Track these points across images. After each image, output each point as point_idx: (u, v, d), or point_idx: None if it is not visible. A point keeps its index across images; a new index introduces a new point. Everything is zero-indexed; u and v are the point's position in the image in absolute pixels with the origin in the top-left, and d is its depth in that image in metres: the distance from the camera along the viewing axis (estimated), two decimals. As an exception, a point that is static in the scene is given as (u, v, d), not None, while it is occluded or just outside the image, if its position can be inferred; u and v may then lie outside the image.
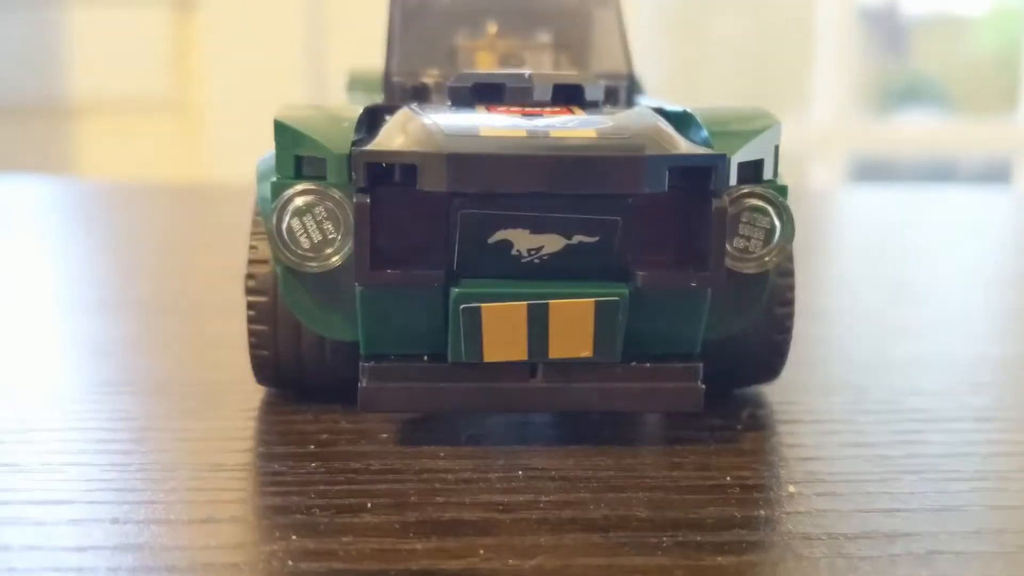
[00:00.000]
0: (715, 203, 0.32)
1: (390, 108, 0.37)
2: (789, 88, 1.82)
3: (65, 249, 0.71)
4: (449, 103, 0.37)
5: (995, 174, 1.90)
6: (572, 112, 0.35)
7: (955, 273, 0.66)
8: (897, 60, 2.02)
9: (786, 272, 0.37)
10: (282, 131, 0.34)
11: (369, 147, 0.32)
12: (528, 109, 0.34)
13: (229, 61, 1.51)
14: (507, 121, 0.33)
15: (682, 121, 0.36)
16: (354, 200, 0.32)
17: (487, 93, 0.36)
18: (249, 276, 0.36)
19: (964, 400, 0.40)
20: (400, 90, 0.43)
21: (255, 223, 0.37)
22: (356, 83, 0.54)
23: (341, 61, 1.55)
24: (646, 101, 0.43)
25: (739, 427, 0.36)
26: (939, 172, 1.97)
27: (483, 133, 0.31)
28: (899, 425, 0.37)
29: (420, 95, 0.42)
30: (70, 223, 0.81)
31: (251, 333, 0.37)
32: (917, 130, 1.87)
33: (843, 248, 0.73)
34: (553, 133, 0.31)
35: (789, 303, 0.37)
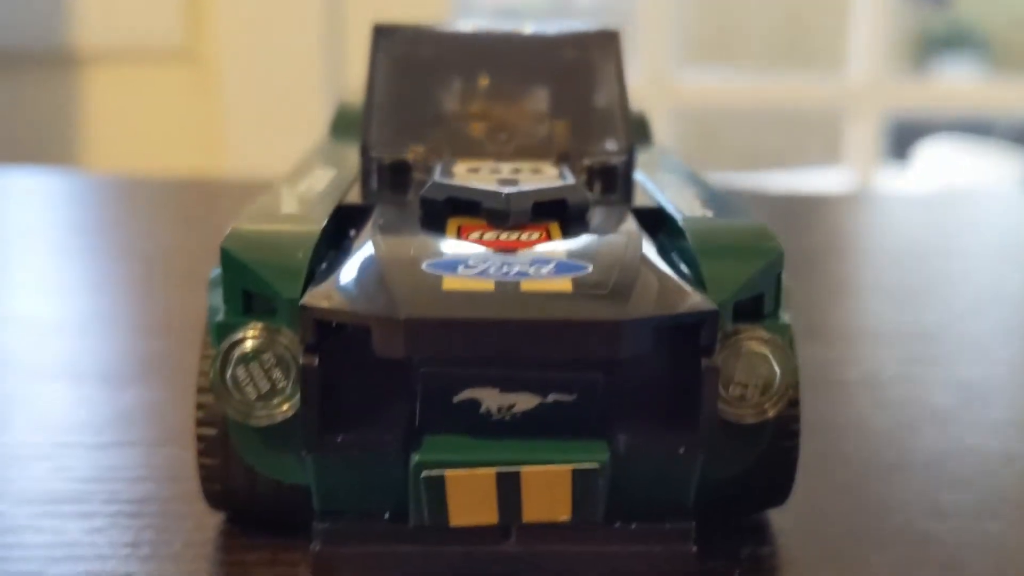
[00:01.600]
0: (705, 362, 0.29)
1: (363, 210, 0.35)
2: (823, 43, 1.77)
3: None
4: (421, 213, 0.34)
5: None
6: (550, 235, 0.32)
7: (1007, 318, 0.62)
8: (939, 10, 1.96)
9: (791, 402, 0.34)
10: (229, 262, 0.31)
11: (318, 299, 0.29)
12: (503, 238, 0.31)
13: (244, 9, 1.47)
14: (476, 262, 0.29)
15: (673, 230, 0.34)
16: (301, 361, 0.29)
17: (462, 207, 0.33)
18: (198, 405, 0.33)
19: (987, 528, 0.36)
20: (378, 166, 0.39)
21: (205, 342, 0.34)
22: (343, 122, 0.50)
23: (359, 8, 1.54)
24: (641, 180, 0.40)
25: (737, 572, 0.33)
26: (977, 130, 1.92)
27: (447, 286, 0.28)
28: (922, 571, 0.33)
29: (399, 174, 0.39)
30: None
31: (200, 466, 0.34)
32: (955, 87, 1.82)
33: (867, 278, 0.69)
34: (524, 286, 0.28)
35: (795, 434, 0.34)
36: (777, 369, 0.30)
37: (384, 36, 0.42)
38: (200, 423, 0.33)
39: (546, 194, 0.33)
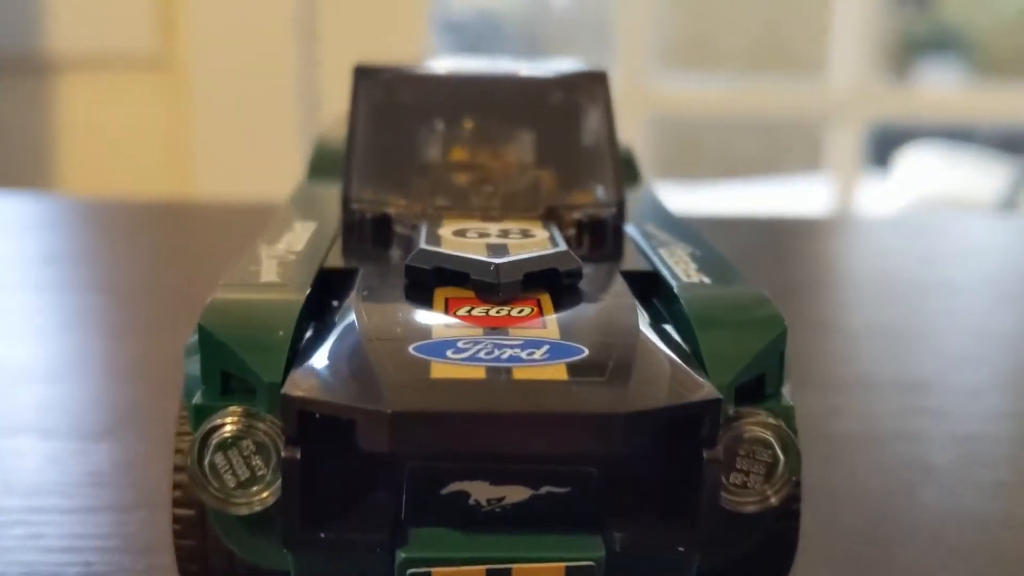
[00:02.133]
0: (707, 454, 0.28)
1: (346, 273, 0.33)
2: (805, 49, 1.76)
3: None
4: (407, 282, 0.32)
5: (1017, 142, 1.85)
6: (542, 308, 0.30)
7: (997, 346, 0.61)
8: (921, 13, 1.96)
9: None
10: (207, 340, 0.29)
11: (301, 388, 0.27)
12: (493, 314, 0.30)
13: (216, 17, 1.46)
14: (465, 344, 0.28)
15: (668, 296, 0.32)
16: (283, 454, 0.27)
17: (449, 275, 0.32)
18: (175, 485, 0.32)
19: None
20: (359, 219, 0.38)
21: (181, 418, 0.32)
22: (321, 162, 0.49)
23: (333, 16, 1.52)
24: (632, 234, 0.39)
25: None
26: (959, 136, 1.92)
27: (435, 373, 0.27)
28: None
29: (381, 229, 0.38)
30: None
31: (177, 547, 0.32)
32: (938, 95, 1.82)
33: (854, 318, 0.68)
34: (517, 373, 0.27)
35: (795, 515, 0.33)
36: (781, 456, 0.29)
37: (365, 78, 0.41)
38: (177, 503, 0.32)
39: (537, 263, 0.32)
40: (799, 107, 1.72)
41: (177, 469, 0.32)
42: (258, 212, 0.78)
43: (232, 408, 0.29)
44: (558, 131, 0.41)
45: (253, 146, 1.45)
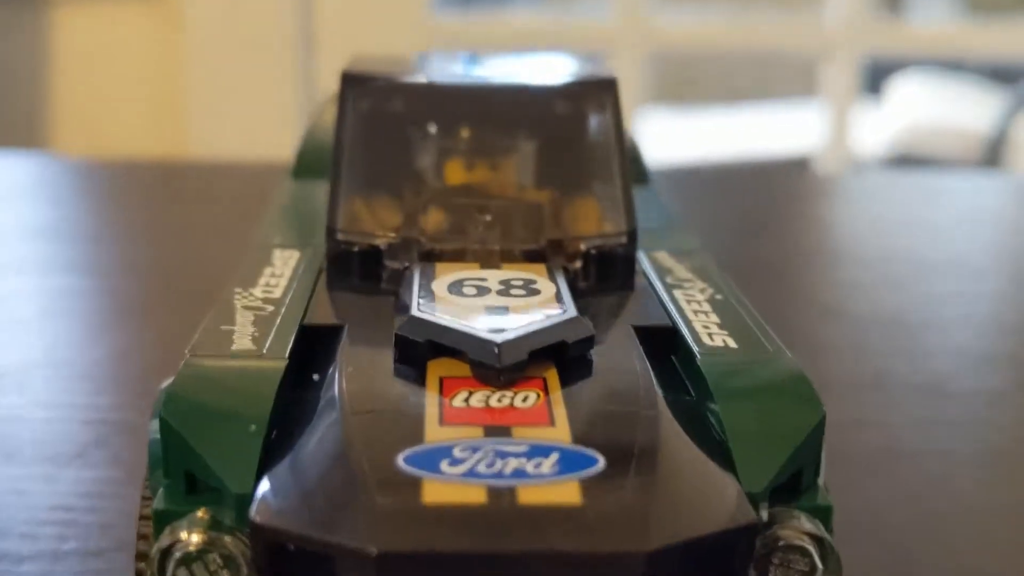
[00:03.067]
0: (739, 578, 0.23)
1: (328, 332, 0.29)
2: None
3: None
4: (397, 352, 0.28)
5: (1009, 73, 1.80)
6: (548, 391, 0.26)
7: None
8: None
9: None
10: (170, 436, 0.25)
11: (272, 515, 0.23)
12: (494, 404, 0.26)
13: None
14: (463, 452, 0.24)
15: (688, 357, 0.28)
16: (250, 587, 0.23)
17: (444, 349, 0.27)
18: (138, 572, 0.28)
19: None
20: (346, 253, 0.34)
21: (144, 497, 0.28)
22: (308, 159, 0.44)
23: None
24: (644, 266, 0.34)
25: None
26: (951, 64, 1.87)
27: (428, 497, 0.22)
28: None
29: (370, 264, 0.33)
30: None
31: None
32: (932, 31, 1.76)
33: (860, 302, 0.63)
34: (522, 496, 0.22)
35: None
36: (819, 564, 0.25)
37: (354, 88, 0.36)
38: None
39: (543, 337, 0.27)
40: (795, 41, 1.66)
41: (139, 556, 0.28)
42: (250, 174, 0.74)
43: (198, 515, 0.24)
44: (563, 148, 0.37)
45: (244, 78, 1.40)
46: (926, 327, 0.54)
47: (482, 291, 0.29)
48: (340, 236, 0.34)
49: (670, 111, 1.85)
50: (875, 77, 1.86)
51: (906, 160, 1.81)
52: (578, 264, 0.34)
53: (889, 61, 1.86)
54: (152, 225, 0.64)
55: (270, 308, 0.30)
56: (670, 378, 0.29)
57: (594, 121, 0.37)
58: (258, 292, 0.31)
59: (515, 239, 0.34)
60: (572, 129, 0.37)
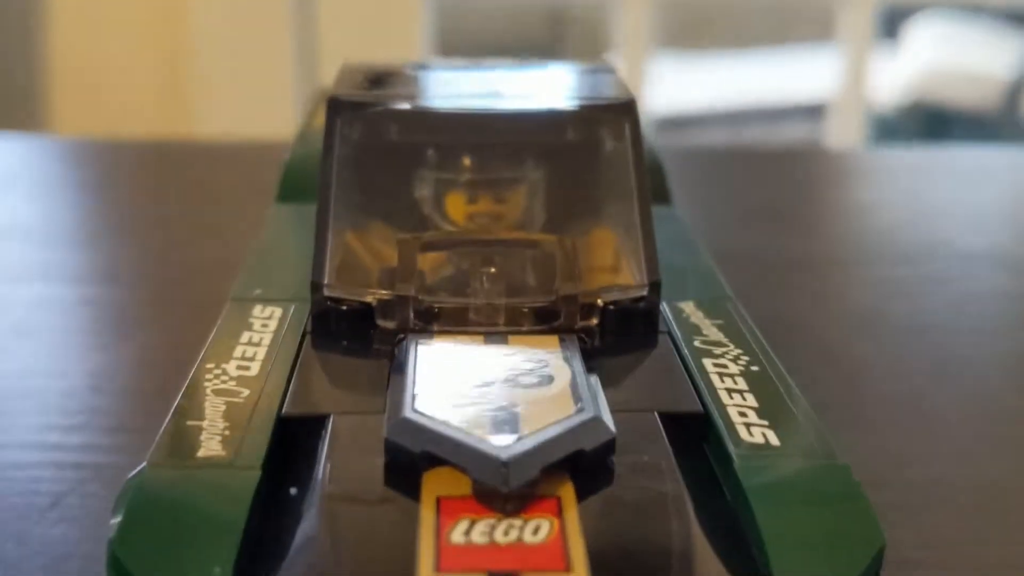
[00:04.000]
0: None
1: (311, 425, 0.25)
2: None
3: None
4: (388, 458, 0.24)
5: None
6: (562, 514, 0.22)
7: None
8: None
9: None
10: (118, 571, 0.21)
11: None
12: (499, 539, 0.21)
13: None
14: None
15: (728, 470, 0.24)
16: None
17: (440, 461, 0.23)
18: None
19: None
20: (333, 310, 0.29)
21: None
22: (293, 181, 0.40)
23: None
24: (668, 322, 0.30)
25: None
26: (968, 7, 1.80)
27: None
28: None
29: (360, 325, 0.29)
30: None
31: None
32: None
33: (893, 306, 0.58)
34: None
35: None
36: None
37: (342, 116, 0.32)
38: None
39: (558, 448, 0.23)
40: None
41: None
42: (253, 158, 0.69)
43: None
44: (575, 182, 0.33)
45: (248, 61, 1.35)
46: (977, 334, 0.49)
47: (486, 382, 0.25)
48: (326, 291, 0.29)
49: (680, 58, 1.79)
50: (891, 22, 1.80)
51: (922, 106, 1.76)
52: (594, 321, 0.29)
53: (906, 5, 1.80)
54: (142, 220, 0.60)
55: (245, 393, 0.26)
56: (701, 473, 0.24)
57: (610, 151, 0.33)
58: (232, 369, 0.27)
59: (523, 294, 0.30)
60: (585, 161, 0.33)
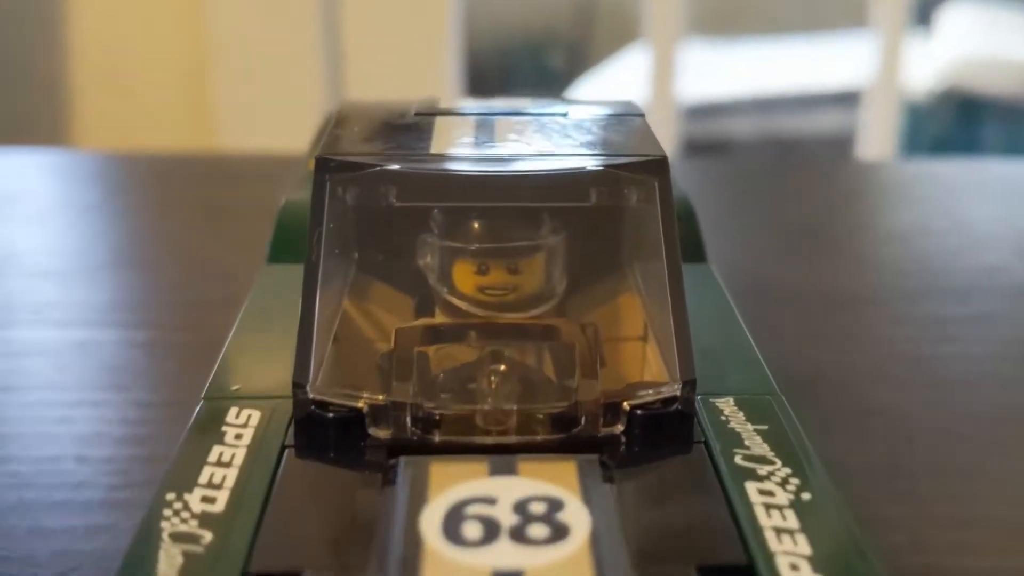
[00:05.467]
0: None
1: None
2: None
3: None
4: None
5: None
6: None
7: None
8: None
9: None
10: None
11: None
12: None
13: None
14: None
15: None
16: None
17: None
18: None
19: None
20: (317, 417, 0.25)
21: None
22: (286, 237, 0.35)
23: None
24: (707, 430, 0.25)
25: None
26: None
27: None
28: None
29: (345, 432, 0.25)
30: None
31: None
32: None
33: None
34: None
35: None
36: None
37: (333, 178, 0.27)
38: None
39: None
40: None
41: None
42: (272, 176, 0.64)
43: None
44: (599, 251, 0.28)
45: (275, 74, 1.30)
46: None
47: (490, 533, 0.21)
48: (310, 394, 0.25)
49: (711, 44, 1.74)
50: (925, 8, 1.74)
51: (955, 94, 1.70)
52: (619, 428, 0.25)
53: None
54: (149, 246, 0.55)
55: (206, 539, 0.21)
56: None
57: (638, 215, 0.28)
58: (195, 502, 0.22)
59: (537, 398, 0.25)
60: (609, 226, 0.29)
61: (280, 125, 1.20)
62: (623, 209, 0.29)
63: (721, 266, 0.36)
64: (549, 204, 0.29)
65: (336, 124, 0.30)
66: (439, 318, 0.28)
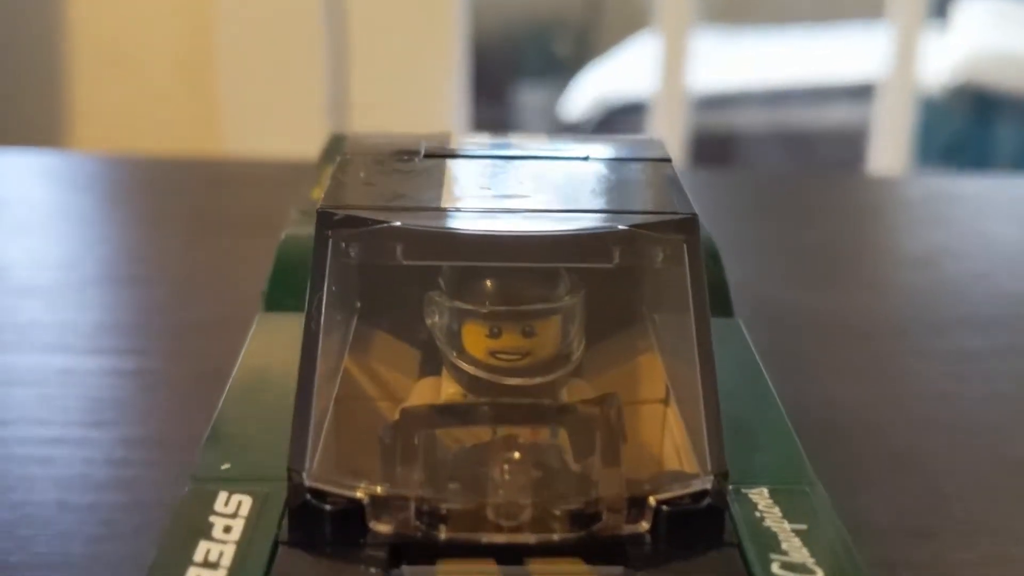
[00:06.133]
0: None
1: None
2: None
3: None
4: None
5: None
6: None
7: None
8: None
9: None
10: None
11: None
12: None
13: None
14: None
15: None
16: None
17: None
18: None
19: None
20: (313, 509, 0.23)
21: None
22: (285, 285, 0.33)
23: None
24: (740, 528, 0.23)
25: None
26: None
27: None
28: None
29: (343, 525, 0.23)
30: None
31: None
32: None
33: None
34: None
35: None
36: None
37: (335, 235, 0.25)
38: None
39: None
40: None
41: None
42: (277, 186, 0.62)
43: None
44: (621, 316, 0.26)
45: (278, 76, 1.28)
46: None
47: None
48: (306, 481, 0.23)
49: (722, 34, 1.71)
50: (942, 0, 1.72)
51: (969, 88, 1.67)
52: (644, 526, 0.23)
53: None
54: (143, 264, 0.53)
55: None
56: None
57: (664, 278, 0.26)
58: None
59: (554, 490, 0.23)
60: (632, 289, 0.27)
61: (285, 113, 1.18)
62: (647, 271, 0.27)
63: (734, 288, 0.34)
64: (568, 265, 0.26)
65: (340, 168, 0.28)
66: (445, 383, 0.26)
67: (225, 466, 0.24)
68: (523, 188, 0.28)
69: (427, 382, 0.27)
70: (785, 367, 0.43)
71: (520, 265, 0.26)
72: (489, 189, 0.28)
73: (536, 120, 1.72)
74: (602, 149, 0.31)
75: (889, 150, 1.59)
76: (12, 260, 0.51)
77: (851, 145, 1.64)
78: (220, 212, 0.58)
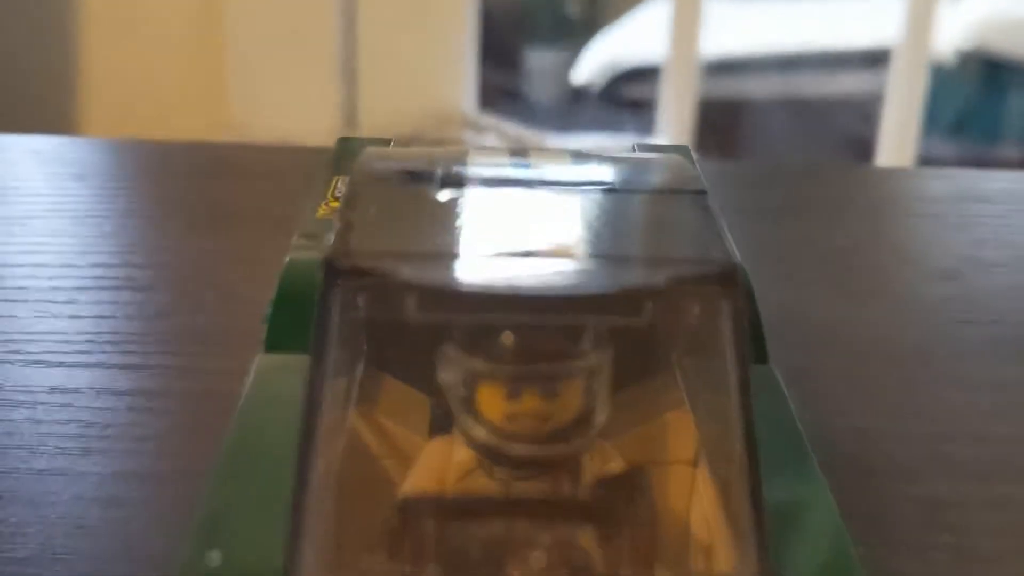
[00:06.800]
0: None
1: None
2: None
3: None
4: None
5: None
6: None
7: None
8: None
9: None
10: None
11: None
12: None
13: None
14: None
15: None
16: None
17: None
18: None
19: None
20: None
21: None
22: (285, 325, 0.30)
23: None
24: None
25: None
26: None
27: None
28: None
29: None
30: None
31: None
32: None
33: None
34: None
35: None
36: None
37: (344, 284, 0.22)
38: None
39: None
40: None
41: None
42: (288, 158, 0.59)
43: None
44: (644, 369, 0.24)
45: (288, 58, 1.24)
46: None
47: None
48: (306, 564, 0.20)
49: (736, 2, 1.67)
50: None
51: (979, 56, 1.64)
52: None
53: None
54: (142, 264, 0.50)
55: None
56: None
57: (700, 336, 0.23)
58: None
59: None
60: (661, 338, 0.24)
61: (295, 80, 1.15)
62: (681, 328, 0.24)
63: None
64: (593, 322, 0.24)
65: (348, 203, 0.25)
66: (457, 446, 0.24)
67: (214, 565, 0.22)
68: (545, 228, 0.25)
69: (437, 446, 0.25)
70: (808, 391, 0.40)
71: (544, 324, 0.23)
72: (509, 231, 0.25)
73: (546, 84, 1.69)
74: (630, 173, 0.28)
75: (901, 117, 1.56)
76: (4, 259, 0.49)
77: (862, 112, 1.60)
78: (225, 203, 0.55)
